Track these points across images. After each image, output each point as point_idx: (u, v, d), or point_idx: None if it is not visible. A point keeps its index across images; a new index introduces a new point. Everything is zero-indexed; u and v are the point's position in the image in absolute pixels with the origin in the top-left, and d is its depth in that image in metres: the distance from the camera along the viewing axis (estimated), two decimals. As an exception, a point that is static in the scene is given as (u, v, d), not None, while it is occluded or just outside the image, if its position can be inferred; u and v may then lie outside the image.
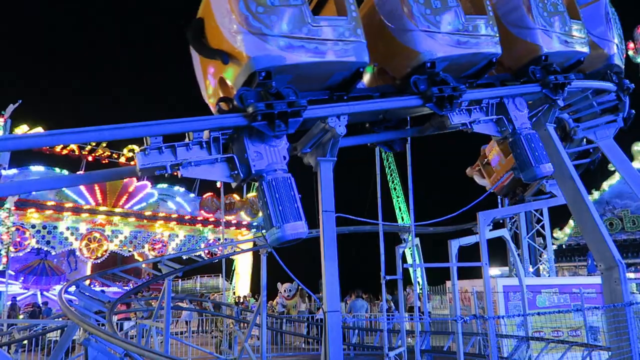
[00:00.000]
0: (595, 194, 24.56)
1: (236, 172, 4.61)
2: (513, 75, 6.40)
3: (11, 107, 11.06)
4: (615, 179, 24.09)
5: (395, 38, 5.41)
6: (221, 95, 4.94)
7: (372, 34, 5.10)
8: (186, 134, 4.55)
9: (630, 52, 22.71)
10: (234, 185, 4.78)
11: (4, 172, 19.52)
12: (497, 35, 5.72)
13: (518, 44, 6.18)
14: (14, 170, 20.87)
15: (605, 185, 24.74)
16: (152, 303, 14.45)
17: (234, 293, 28.14)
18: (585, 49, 6.58)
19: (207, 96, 5.31)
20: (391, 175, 45.20)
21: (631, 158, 22.75)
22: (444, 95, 5.37)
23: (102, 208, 23.10)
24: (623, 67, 7.45)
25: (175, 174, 4.52)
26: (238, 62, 4.54)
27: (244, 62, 4.50)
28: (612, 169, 22.82)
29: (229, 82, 4.83)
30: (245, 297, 25.86)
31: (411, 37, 5.28)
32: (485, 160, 11.51)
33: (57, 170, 21.81)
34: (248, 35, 4.46)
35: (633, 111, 8.29)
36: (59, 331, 12.08)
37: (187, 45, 5.06)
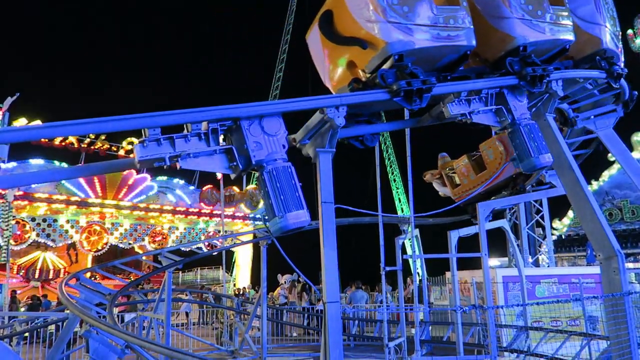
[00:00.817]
0: (595, 185, 24.56)
1: (235, 163, 4.60)
2: (574, 63, 6.97)
3: (9, 100, 10.99)
4: (614, 169, 24.07)
5: (490, 24, 6.10)
6: (347, 77, 5.73)
7: None
8: (184, 126, 4.54)
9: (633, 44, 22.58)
10: (233, 176, 4.77)
11: (3, 166, 19.47)
12: (572, 24, 6.41)
13: (584, 36, 6.82)
14: (13, 164, 20.83)
15: (605, 175, 24.73)
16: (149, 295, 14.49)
17: (234, 285, 28.24)
18: (617, 49, 7.32)
19: (329, 79, 6.11)
20: (391, 166, 45.24)
21: (631, 148, 22.71)
22: (537, 75, 5.97)
23: (101, 201, 23.09)
24: (619, 51, 7.46)
25: (174, 166, 4.51)
26: (374, 47, 5.25)
27: (380, 47, 5.22)
28: (612, 159, 22.80)
29: (360, 65, 5.54)
30: (244, 288, 25.95)
31: (508, 24, 6.00)
32: (449, 170, 11.71)
33: (57, 163, 21.76)
34: (385, 23, 5.19)
35: (636, 92, 8.21)
36: (59, 323, 12.15)
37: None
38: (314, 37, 5.97)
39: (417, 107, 5.35)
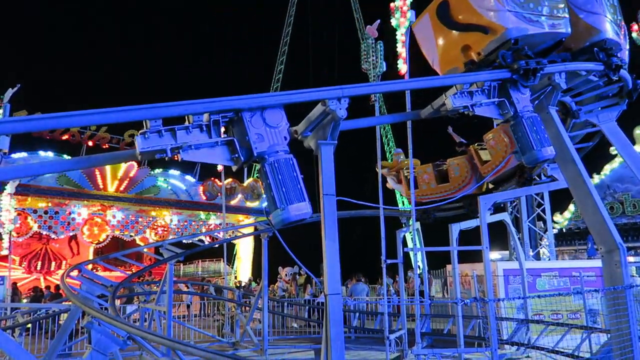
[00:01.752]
0: (596, 178, 24.48)
1: (237, 155, 4.58)
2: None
3: (10, 92, 10.94)
4: (616, 162, 23.97)
5: (580, 16, 6.85)
6: (457, 60, 6.56)
7: None
8: (186, 118, 4.51)
9: (635, 34, 22.51)
10: (234, 168, 4.75)
11: (14, 156, 19.46)
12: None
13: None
14: (23, 154, 20.81)
15: (606, 169, 24.65)
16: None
17: (235, 277, 28.30)
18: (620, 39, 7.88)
19: (438, 62, 6.99)
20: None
21: (633, 142, 22.58)
22: (618, 64, 6.86)
23: (103, 193, 23.09)
24: (621, 43, 7.69)
25: (175, 157, 4.49)
26: (494, 32, 6.09)
27: (500, 32, 6.05)
28: (614, 152, 22.70)
29: (475, 49, 6.37)
30: (250, 280, 26.03)
31: (598, 19, 6.84)
32: (408, 169, 12.00)
33: (65, 157, 21.72)
34: (504, 12, 6.01)
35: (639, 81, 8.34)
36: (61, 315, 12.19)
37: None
38: (424, 26, 6.91)
39: (531, 84, 6.08)
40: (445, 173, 11.52)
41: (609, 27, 6.93)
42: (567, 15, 6.35)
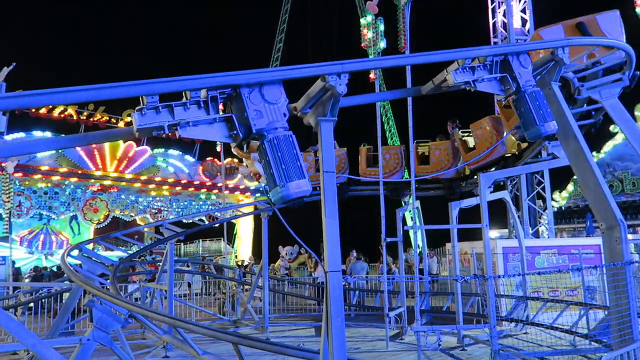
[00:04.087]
0: (596, 156, 24.44)
1: (235, 131, 4.51)
2: None
3: (5, 70, 10.79)
4: (616, 140, 23.90)
5: None
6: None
7: None
8: (183, 94, 4.44)
9: (638, 9, 22.17)
10: (233, 145, 4.70)
11: (11, 136, 19.36)
12: None
13: None
14: (21, 134, 20.68)
15: (606, 147, 24.60)
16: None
17: (236, 256, 28.45)
18: None
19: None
20: (392, 139, 45.02)
21: (634, 120, 22.42)
22: None
23: (102, 173, 23.05)
24: None
25: (173, 134, 4.43)
26: (613, 50, 7.87)
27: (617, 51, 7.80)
28: (614, 130, 22.61)
29: (595, 56, 8.04)
30: (251, 257, 26.20)
31: None
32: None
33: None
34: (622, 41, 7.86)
35: (638, 72, 8.40)
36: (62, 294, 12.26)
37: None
38: (555, 32, 8.27)
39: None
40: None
41: None
42: None
